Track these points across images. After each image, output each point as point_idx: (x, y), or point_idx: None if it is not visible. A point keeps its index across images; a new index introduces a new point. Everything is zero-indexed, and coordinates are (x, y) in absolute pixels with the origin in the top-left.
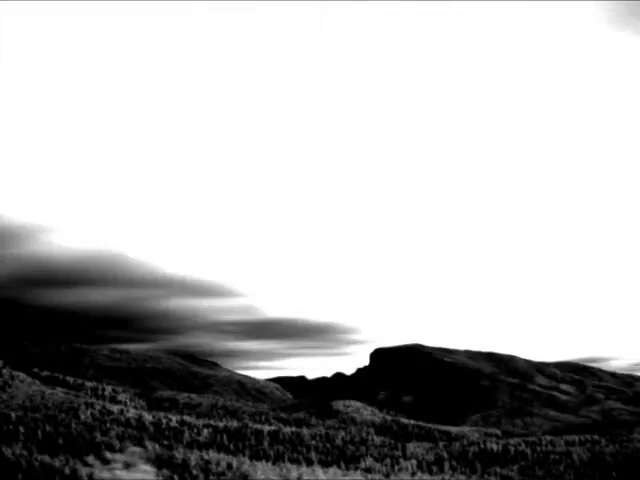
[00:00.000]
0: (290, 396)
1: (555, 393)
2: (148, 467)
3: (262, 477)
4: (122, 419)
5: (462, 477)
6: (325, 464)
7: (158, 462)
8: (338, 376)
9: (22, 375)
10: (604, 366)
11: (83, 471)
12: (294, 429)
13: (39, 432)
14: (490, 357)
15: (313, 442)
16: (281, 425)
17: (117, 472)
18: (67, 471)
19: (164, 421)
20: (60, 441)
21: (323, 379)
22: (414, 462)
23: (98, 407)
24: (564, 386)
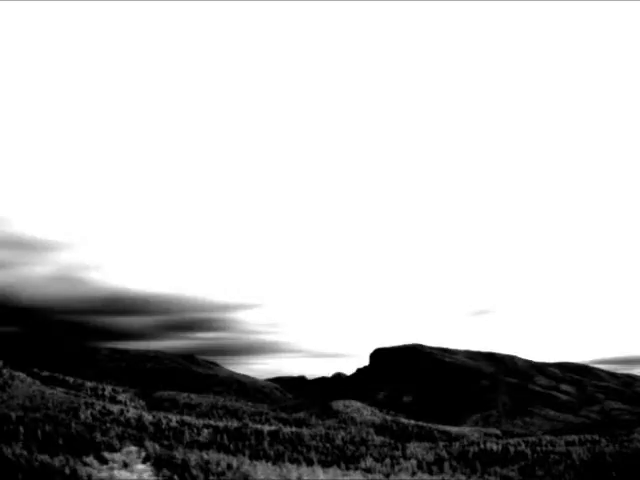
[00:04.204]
0: (290, 396)
1: (555, 393)
2: (148, 467)
3: (262, 477)
4: (122, 419)
5: (462, 477)
6: (325, 464)
7: (158, 462)
8: (338, 376)
9: (22, 375)
10: (605, 366)
11: (83, 471)
12: (294, 429)
13: (39, 432)
14: (490, 357)
15: (313, 442)
16: (281, 425)
17: (117, 472)
18: (67, 471)
19: (164, 421)
20: (60, 441)
21: (323, 379)
22: (414, 462)
23: (98, 407)
24: (564, 386)
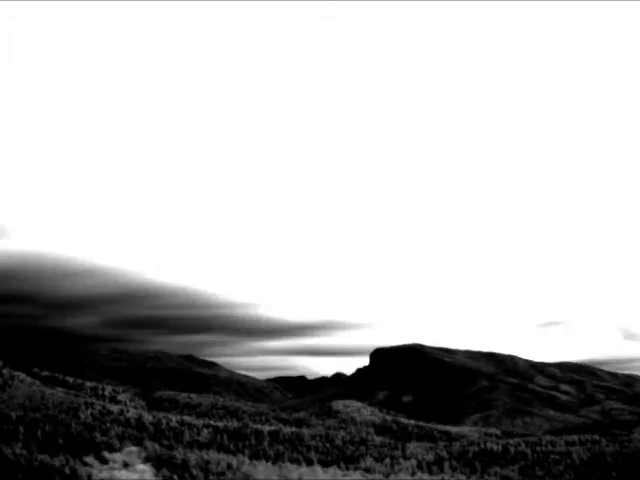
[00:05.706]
0: (290, 396)
1: (555, 393)
2: (147, 467)
3: (262, 477)
4: (122, 419)
5: (462, 477)
6: (325, 464)
7: (158, 462)
8: (338, 376)
9: (22, 375)
10: (604, 366)
11: (83, 471)
12: (294, 429)
13: (39, 432)
14: (490, 357)
15: (313, 442)
16: (281, 425)
17: (116, 472)
18: (67, 471)
19: (164, 421)
20: (60, 441)
21: (323, 379)
22: (414, 462)
23: (98, 407)
24: (564, 386)
